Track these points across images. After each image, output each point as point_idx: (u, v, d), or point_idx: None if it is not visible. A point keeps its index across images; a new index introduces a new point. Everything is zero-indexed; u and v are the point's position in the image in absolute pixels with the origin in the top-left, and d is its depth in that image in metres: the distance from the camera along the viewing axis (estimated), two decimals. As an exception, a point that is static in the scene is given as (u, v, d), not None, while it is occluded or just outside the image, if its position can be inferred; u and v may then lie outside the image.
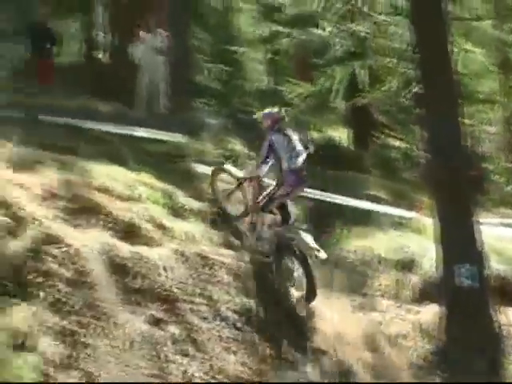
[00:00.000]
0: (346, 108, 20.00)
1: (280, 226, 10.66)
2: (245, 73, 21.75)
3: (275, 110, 10.94)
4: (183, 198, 11.42)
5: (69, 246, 8.82)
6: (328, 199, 13.79)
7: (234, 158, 13.70)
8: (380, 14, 18.59)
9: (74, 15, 21.91)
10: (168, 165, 12.66)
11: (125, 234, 9.66)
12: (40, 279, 8.44)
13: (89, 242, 9.07)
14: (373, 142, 20.22)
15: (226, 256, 10.33)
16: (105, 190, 10.31)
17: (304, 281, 10.08)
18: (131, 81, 16.31)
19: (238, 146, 14.73)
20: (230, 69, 20.56)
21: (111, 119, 14.26)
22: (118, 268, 9.04)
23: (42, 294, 8.35)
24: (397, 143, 20.90)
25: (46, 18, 17.12)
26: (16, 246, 8.57)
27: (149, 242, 9.76)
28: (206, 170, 12.47)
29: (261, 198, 10.64)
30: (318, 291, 10.17)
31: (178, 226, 10.49)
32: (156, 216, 10.34)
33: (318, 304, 10.38)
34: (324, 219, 13.25)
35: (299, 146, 10.55)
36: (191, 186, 12.08)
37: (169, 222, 10.46)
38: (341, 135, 21.16)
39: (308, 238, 10.20)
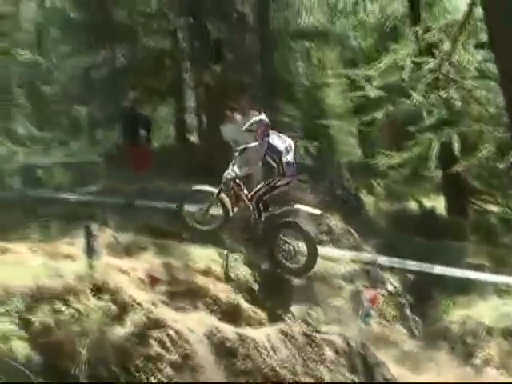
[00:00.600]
0: (442, 176, 19.81)
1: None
2: (336, 146, 21.82)
3: (263, 116, 12.36)
4: (284, 276, 11.42)
5: (172, 329, 8.83)
6: (428, 270, 13.55)
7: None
8: (468, 79, 18.53)
9: (165, 99, 22.54)
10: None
11: (227, 315, 9.65)
12: (145, 363, 8.47)
13: (192, 324, 9.07)
14: (469, 209, 19.92)
15: (331, 334, 10.18)
16: (206, 273, 10.41)
17: (305, 248, 11.42)
18: (224, 161, 16.49)
19: (335, 220, 14.66)
20: (321, 144, 20.67)
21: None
22: (223, 350, 8.98)
23: (146, 377, 8.37)
24: (493, 208, 20.57)
25: (136, 103, 17.51)
26: (120, 331, 8.64)
27: (252, 322, 9.71)
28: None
29: (260, 186, 11.95)
30: (427, 366, 9.93)
31: (279, 304, 10.42)
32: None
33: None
34: (425, 291, 13.04)
35: (289, 142, 12.21)
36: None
37: (270, 301, 10.41)
38: (436, 204, 20.90)
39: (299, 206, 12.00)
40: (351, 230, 14.56)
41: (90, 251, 9.47)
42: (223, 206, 11.98)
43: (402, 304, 13.12)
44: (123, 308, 8.92)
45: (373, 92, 19.98)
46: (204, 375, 8.63)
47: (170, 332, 8.78)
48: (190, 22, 20.49)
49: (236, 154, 12.33)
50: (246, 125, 12.40)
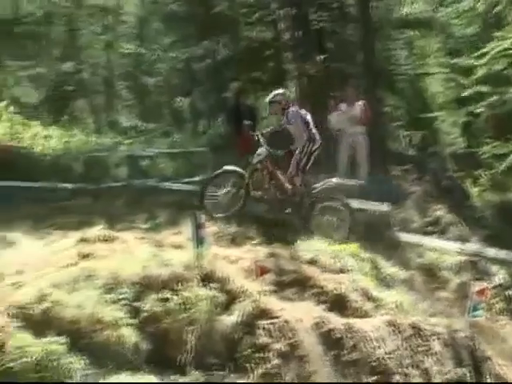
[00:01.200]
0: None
1: None
2: (440, 136, 21.44)
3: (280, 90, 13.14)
4: (389, 268, 11.30)
5: (280, 319, 8.78)
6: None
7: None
8: None
9: (267, 90, 22.52)
10: (372, 235, 12.59)
11: (334, 305, 9.52)
12: (252, 353, 8.44)
13: (299, 314, 8.96)
14: None
15: (438, 325, 9.95)
16: (313, 263, 10.33)
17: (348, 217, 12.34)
18: (332, 149, 16.43)
19: (442, 211, 14.39)
20: (424, 134, 20.37)
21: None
22: (330, 340, 8.82)
23: (253, 367, 8.34)
24: None
25: (239, 93, 17.51)
26: (227, 320, 8.62)
27: (359, 313, 9.57)
28: (410, 238, 12.27)
29: (297, 158, 12.48)
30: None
31: (387, 296, 10.23)
32: (364, 287, 10.16)
33: None
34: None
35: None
36: (396, 255, 11.90)
37: (377, 292, 10.23)
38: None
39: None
40: (458, 221, 14.27)
41: (198, 240, 9.44)
42: (246, 190, 12.42)
43: (510, 297, 12.75)
44: (231, 297, 8.88)
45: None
46: (311, 365, 8.53)
47: (278, 321, 8.72)
48: (291, 12, 20.40)
49: (260, 136, 12.98)
50: (269, 96, 13.06)
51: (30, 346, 7.72)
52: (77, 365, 7.58)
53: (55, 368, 7.63)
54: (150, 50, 27.53)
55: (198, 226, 9.55)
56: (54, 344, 7.74)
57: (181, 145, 21.72)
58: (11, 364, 7.61)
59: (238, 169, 12.59)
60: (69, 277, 8.76)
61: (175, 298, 8.52)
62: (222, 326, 8.53)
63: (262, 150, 12.67)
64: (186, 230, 10.47)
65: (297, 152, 12.51)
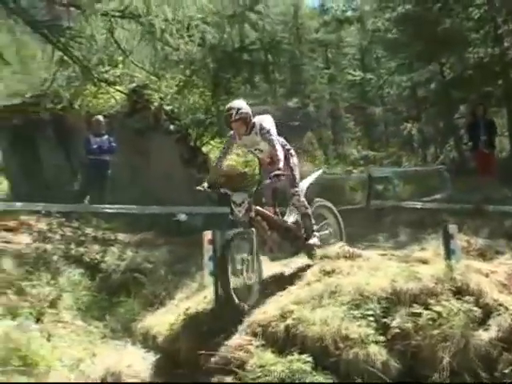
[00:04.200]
0: None
1: None
2: None
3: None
4: None
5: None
6: None
7: None
8: None
9: (500, 108, 21.62)
10: None
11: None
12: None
13: None
14: None
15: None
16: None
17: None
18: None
19: None
20: None
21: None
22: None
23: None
24: None
25: (477, 108, 16.77)
26: (484, 335, 7.97)
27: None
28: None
29: (288, 181, 9.72)
30: None
31: None
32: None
33: None
34: None
35: None
36: None
37: None
38: None
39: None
40: None
41: (449, 252, 9.02)
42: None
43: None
44: (487, 311, 8.24)
45: None
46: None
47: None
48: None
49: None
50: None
51: (273, 365, 7.55)
52: (322, 384, 7.29)
53: (300, 388, 7.39)
54: (376, 75, 27.40)
55: (449, 238, 9.13)
56: (298, 362, 7.53)
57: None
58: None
59: None
60: (312, 293, 8.52)
61: (426, 312, 8.00)
62: (478, 342, 7.87)
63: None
64: (431, 245, 10.20)
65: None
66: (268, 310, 8.40)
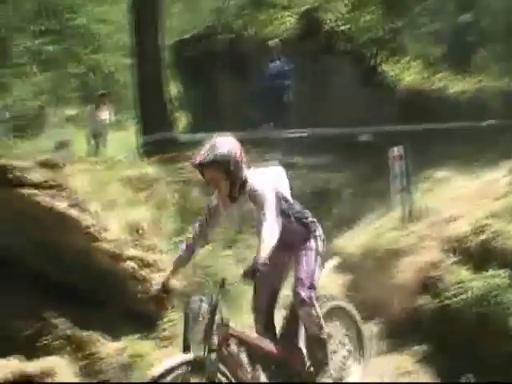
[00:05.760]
0: None
1: None
2: None
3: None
4: None
5: None
6: None
7: None
8: None
9: None
10: None
11: None
12: None
13: None
14: None
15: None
16: None
17: None
18: None
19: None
20: None
21: None
22: None
23: None
24: None
25: None
26: None
27: None
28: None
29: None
30: None
31: None
32: None
33: None
34: None
35: None
36: None
37: None
38: None
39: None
40: None
41: None
42: None
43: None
44: None
45: None
46: None
47: None
48: None
49: None
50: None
51: (470, 281, 7.46)
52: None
53: (497, 304, 7.31)
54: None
55: None
56: (496, 278, 7.39)
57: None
58: (449, 301, 7.44)
59: None
60: (507, 206, 8.36)
61: None
62: None
63: None
64: None
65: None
66: (461, 225, 8.32)
